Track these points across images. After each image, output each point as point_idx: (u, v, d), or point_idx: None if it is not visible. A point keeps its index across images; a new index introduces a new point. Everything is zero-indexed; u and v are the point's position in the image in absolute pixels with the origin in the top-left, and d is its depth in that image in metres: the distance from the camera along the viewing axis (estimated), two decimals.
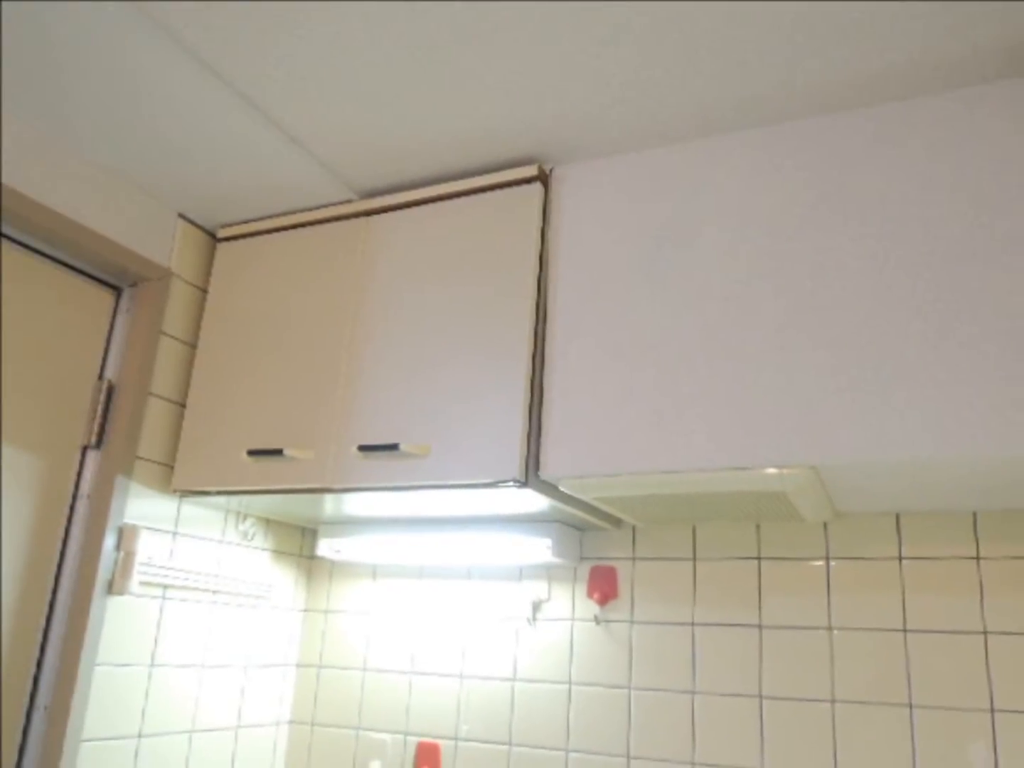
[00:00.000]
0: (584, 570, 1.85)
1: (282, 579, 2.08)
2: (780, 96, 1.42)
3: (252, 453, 1.66)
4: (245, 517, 1.98)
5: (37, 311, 1.65)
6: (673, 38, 1.30)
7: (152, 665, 1.71)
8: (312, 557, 2.19)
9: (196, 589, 1.83)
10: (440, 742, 1.88)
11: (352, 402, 1.64)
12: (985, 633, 1.50)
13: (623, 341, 1.49)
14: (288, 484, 1.63)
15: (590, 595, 1.81)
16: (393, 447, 1.52)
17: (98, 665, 1.60)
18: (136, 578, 1.66)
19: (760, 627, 1.66)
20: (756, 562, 1.70)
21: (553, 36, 1.30)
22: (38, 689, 1.57)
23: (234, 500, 1.78)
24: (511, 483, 1.45)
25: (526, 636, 1.87)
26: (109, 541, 1.64)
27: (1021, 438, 1.18)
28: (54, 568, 1.63)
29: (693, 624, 1.71)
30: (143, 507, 1.72)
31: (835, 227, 1.39)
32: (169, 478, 1.79)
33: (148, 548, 1.71)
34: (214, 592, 1.87)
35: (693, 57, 1.34)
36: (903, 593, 1.57)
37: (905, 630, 1.55)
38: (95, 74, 1.43)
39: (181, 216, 1.89)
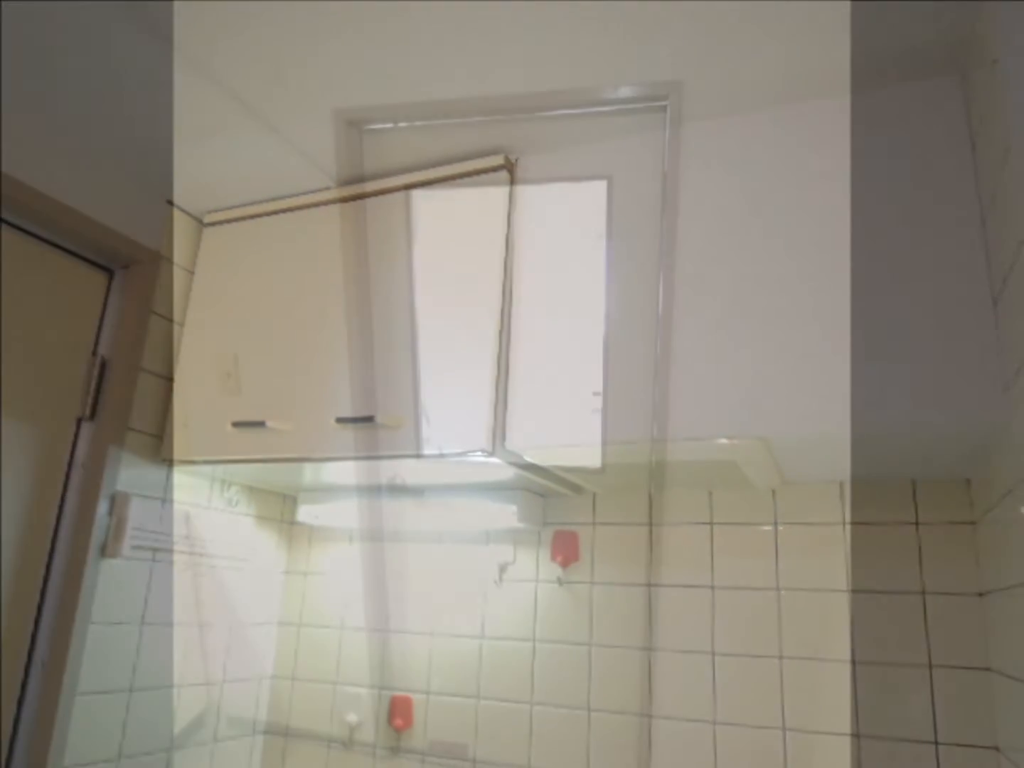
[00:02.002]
0: (548, 534, 1.90)
1: (264, 543, 2.13)
2: (726, 90, 1.46)
3: (236, 425, 1.70)
4: (230, 485, 2.02)
5: (35, 291, 1.68)
6: (607, 40, 1.35)
7: (143, 624, 1.76)
8: (293, 522, 2.21)
9: (184, 552, 1.87)
10: (412, 695, 1.93)
11: (330, 377, 1.67)
12: (923, 593, 1.54)
13: (583, 319, 1.52)
14: (270, 454, 1.68)
15: (553, 558, 1.86)
16: (369, 419, 1.56)
17: (92, 623, 1.65)
18: (128, 542, 1.70)
19: (712, 588, 1.71)
20: (708, 527, 1.75)
21: (519, 34, 1.36)
22: (36, 646, 1.61)
23: (219, 469, 1.83)
24: (479, 453, 1.49)
25: (493, 596, 1.92)
26: (102, 507, 1.69)
27: (955, 411, 1.23)
28: (51, 533, 1.67)
29: (649, 585, 1.76)
30: (134, 475, 1.76)
31: (783, 213, 1.42)
32: (159, 448, 1.82)
33: (139, 514, 1.75)
34: (201, 555, 1.92)
35: (630, 56, 1.39)
36: (847, 556, 1.61)
37: (849, 591, 1.59)
38: (91, 70, 1.48)
39: (170, 203, 1.92)
